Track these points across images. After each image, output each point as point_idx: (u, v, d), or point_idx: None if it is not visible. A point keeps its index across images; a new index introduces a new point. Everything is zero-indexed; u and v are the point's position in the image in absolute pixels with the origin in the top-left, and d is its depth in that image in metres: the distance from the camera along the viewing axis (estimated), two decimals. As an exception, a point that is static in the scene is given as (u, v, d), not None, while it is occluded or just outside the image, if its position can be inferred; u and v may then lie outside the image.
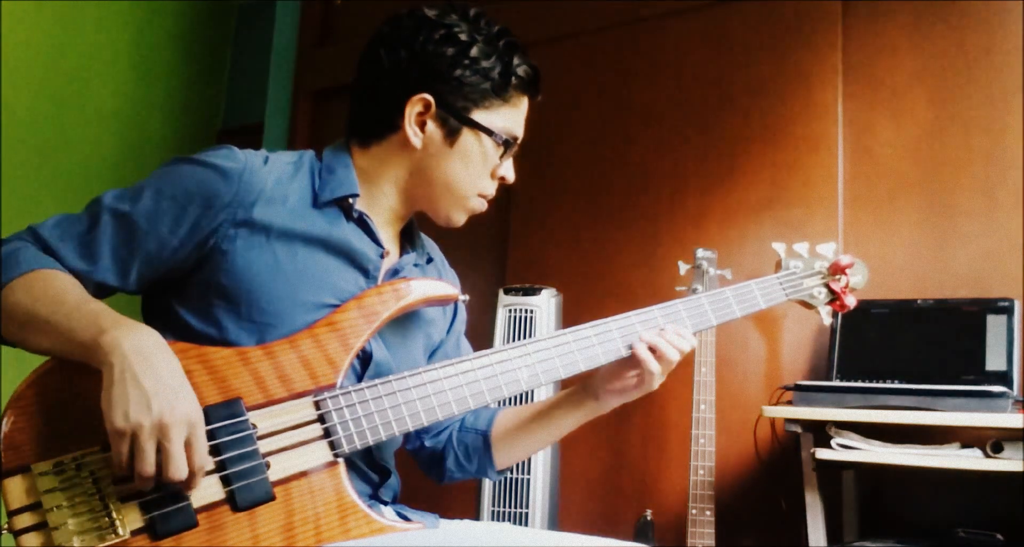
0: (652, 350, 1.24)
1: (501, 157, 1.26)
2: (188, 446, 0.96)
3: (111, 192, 1.15)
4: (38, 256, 1.09)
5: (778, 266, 1.45)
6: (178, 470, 0.95)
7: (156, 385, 0.95)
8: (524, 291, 2.49)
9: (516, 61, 1.24)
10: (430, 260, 1.36)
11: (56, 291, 1.05)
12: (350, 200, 1.22)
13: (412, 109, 1.21)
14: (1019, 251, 2.17)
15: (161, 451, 0.95)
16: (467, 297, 1.39)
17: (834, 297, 1.44)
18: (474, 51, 1.21)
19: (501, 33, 1.24)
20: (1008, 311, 2.05)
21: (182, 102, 3.84)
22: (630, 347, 1.24)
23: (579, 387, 1.32)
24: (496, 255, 2.98)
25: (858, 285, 1.46)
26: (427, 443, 1.37)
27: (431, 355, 1.36)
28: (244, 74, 4.01)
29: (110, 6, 3.53)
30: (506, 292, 2.51)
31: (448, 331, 1.38)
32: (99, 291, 1.14)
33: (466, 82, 1.21)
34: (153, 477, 0.95)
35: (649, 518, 2.34)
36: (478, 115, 1.23)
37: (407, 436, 1.37)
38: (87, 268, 1.11)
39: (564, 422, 1.33)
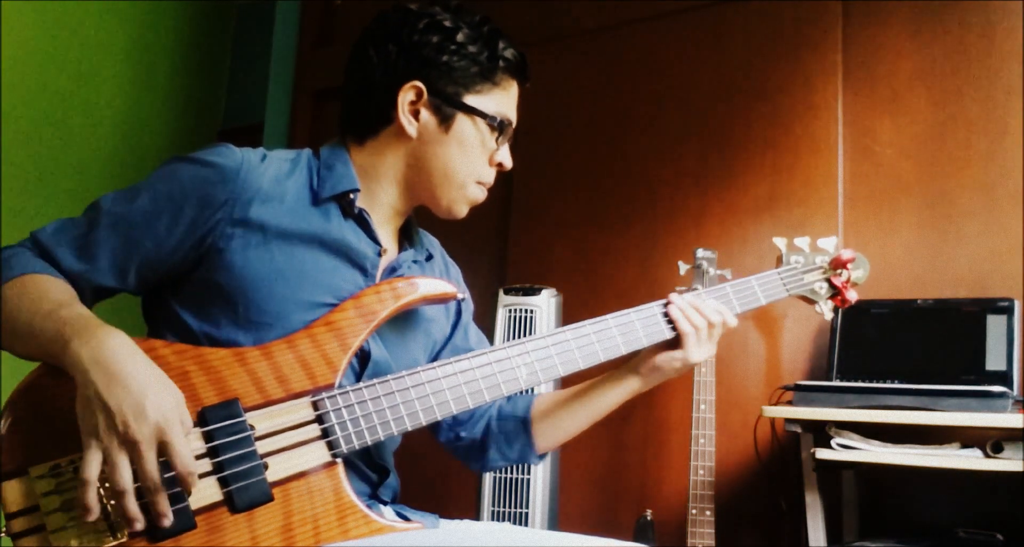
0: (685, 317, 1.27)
1: (497, 141, 1.26)
2: (171, 453, 0.95)
3: (109, 195, 1.15)
4: (31, 261, 1.09)
5: (779, 261, 1.45)
6: (150, 480, 0.94)
7: (119, 400, 0.93)
8: (524, 291, 2.49)
9: (502, 45, 1.25)
10: (430, 257, 1.36)
11: (34, 298, 1.04)
12: (351, 196, 1.22)
13: (404, 98, 1.22)
14: (1019, 251, 2.17)
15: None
16: (466, 296, 1.38)
17: (835, 292, 1.43)
18: (460, 36, 1.22)
19: (484, 20, 1.26)
20: (1008, 311, 2.04)
21: (182, 102, 3.84)
22: (665, 311, 1.27)
23: (621, 366, 1.33)
24: (496, 255, 2.98)
25: (859, 280, 1.45)
26: (463, 434, 1.37)
27: (439, 352, 1.35)
28: (244, 74, 4.00)
29: (110, 6, 3.52)
30: (506, 292, 2.50)
31: (455, 326, 1.38)
32: (99, 292, 1.14)
33: (455, 67, 1.22)
34: (127, 492, 0.93)
35: (649, 518, 2.34)
36: (470, 99, 1.23)
37: (439, 428, 1.37)
38: (85, 270, 1.11)
39: (605, 402, 1.34)
